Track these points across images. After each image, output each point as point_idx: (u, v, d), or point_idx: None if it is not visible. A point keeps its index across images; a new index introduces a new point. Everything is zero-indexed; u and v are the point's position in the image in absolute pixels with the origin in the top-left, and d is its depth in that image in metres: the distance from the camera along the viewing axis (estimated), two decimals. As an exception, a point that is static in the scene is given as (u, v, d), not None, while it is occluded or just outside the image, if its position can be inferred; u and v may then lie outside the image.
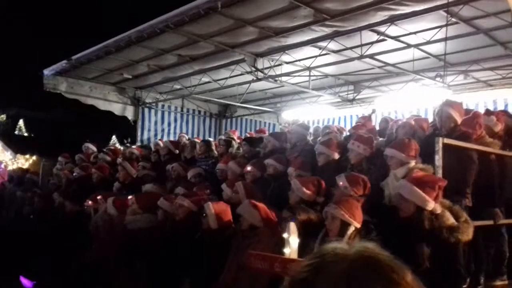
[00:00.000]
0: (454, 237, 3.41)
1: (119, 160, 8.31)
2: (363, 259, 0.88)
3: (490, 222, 4.65)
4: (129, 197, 5.58)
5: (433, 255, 3.38)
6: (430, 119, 6.34)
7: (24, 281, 5.60)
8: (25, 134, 35.56)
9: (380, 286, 0.85)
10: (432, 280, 3.14)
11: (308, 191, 4.49)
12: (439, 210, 3.55)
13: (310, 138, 6.93)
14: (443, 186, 3.65)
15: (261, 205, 4.04)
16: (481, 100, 9.70)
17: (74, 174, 8.54)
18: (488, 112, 5.88)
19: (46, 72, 10.66)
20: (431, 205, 3.53)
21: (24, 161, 14.85)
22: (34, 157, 14.81)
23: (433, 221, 3.50)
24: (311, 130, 8.75)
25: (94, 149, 9.95)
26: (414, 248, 3.37)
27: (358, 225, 3.51)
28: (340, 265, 0.87)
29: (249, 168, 5.86)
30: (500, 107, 9.20)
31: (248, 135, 8.73)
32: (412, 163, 4.41)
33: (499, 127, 5.26)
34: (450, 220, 3.52)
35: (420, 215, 3.53)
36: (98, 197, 6.23)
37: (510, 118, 5.80)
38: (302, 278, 0.91)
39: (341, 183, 4.25)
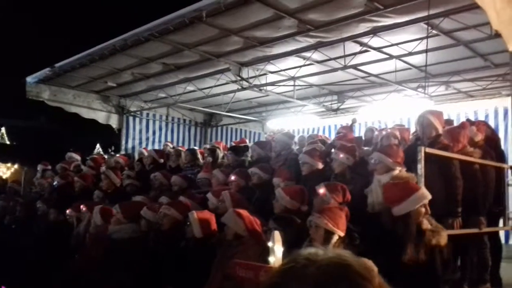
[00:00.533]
0: (436, 240, 3.50)
1: (102, 168, 8.23)
2: (332, 265, 0.90)
3: (475, 230, 4.73)
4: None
5: (416, 258, 3.46)
6: (413, 129, 6.44)
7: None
8: (7, 142, 35.01)
9: None
10: (413, 284, 3.21)
11: (292, 200, 4.52)
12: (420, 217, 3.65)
13: (295, 147, 6.98)
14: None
15: (245, 214, 4.05)
16: (462, 110, 9.87)
17: (54, 183, 8.43)
18: (468, 122, 5.97)
19: (29, 79, 10.57)
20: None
21: (6, 170, 14.63)
22: (15, 166, 14.61)
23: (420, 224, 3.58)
24: (296, 140, 8.83)
25: (78, 158, 9.85)
26: (402, 249, 3.44)
27: (342, 234, 3.55)
28: (309, 270, 0.89)
29: (233, 177, 5.85)
30: (481, 117, 9.38)
31: (234, 144, 8.74)
32: (397, 170, 4.46)
33: (479, 137, 5.35)
34: (429, 226, 3.62)
35: (407, 221, 3.62)
36: (82, 206, 6.15)
37: (489, 128, 5.91)
38: (272, 283, 0.93)
39: (321, 191, 4.29)
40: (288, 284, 0.90)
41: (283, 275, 0.93)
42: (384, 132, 5.83)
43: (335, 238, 3.53)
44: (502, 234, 6.15)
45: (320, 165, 5.36)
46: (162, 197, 5.84)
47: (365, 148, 5.99)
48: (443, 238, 3.56)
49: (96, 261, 4.99)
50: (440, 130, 5.01)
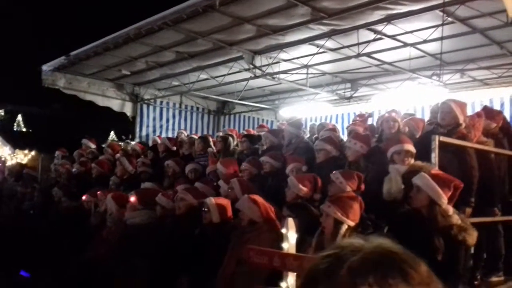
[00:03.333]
0: (462, 236, 3.44)
1: (117, 155, 8.35)
2: (379, 252, 0.90)
3: (488, 219, 4.72)
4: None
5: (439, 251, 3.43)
6: (427, 118, 6.38)
7: (24, 273, 5.67)
8: (24, 130, 35.50)
9: (395, 278, 0.86)
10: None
11: (304, 188, 4.54)
12: (451, 211, 3.56)
13: (305, 135, 6.98)
14: (458, 187, 3.65)
15: (260, 200, 4.10)
16: (477, 98, 9.77)
17: (73, 169, 8.58)
18: (487, 109, 5.88)
19: (45, 68, 10.68)
20: (444, 201, 3.54)
21: (23, 156, 14.86)
22: (32, 153, 14.81)
23: (445, 218, 3.53)
24: (307, 128, 8.83)
25: (92, 145, 9.98)
26: (428, 241, 3.39)
27: (352, 224, 3.53)
28: (357, 255, 0.89)
29: (244, 166, 5.89)
30: (496, 105, 9.28)
31: (246, 132, 8.77)
32: (412, 159, 4.46)
33: (492, 126, 5.30)
34: (459, 221, 3.56)
35: (433, 209, 3.55)
36: (98, 193, 6.27)
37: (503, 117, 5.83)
38: (322, 268, 0.92)
39: (337, 178, 4.31)
40: (337, 270, 0.89)
41: (332, 261, 0.92)
42: (384, 117, 5.71)
43: (344, 227, 3.53)
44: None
45: (336, 152, 5.37)
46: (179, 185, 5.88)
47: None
48: (471, 237, 3.47)
49: (112, 246, 5.10)
50: (461, 120, 4.83)
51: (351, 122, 7.93)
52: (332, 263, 0.91)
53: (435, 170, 3.96)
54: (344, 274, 0.88)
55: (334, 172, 4.43)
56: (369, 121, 6.91)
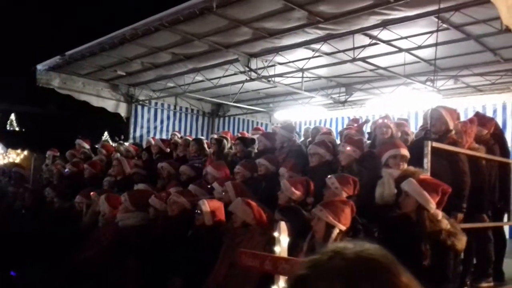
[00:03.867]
0: (451, 241, 3.45)
1: (117, 155, 8.32)
2: (361, 259, 0.91)
3: (479, 224, 4.75)
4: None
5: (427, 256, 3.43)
6: (420, 123, 6.42)
7: (13, 273, 5.65)
8: (17, 129, 35.29)
9: (376, 286, 0.88)
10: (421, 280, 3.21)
11: (297, 192, 4.56)
12: (440, 216, 3.58)
13: (298, 139, 6.99)
14: (446, 192, 3.68)
15: (253, 203, 4.12)
16: (470, 105, 9.84)
17: (65, 170, 8.54)
18: (479, 116, 5.92)
19: (39, 67, 10.63)
20: (433, 206, 3.56)
21: (15, 156, 14.79)
22: (25, 152, 14.76)
23: (434, 223, 3.54)
24: (301, 131, 8.85)
25: (86, 145, 9.95)
26: (415, 246, 3.41)
27: (343, 228, 3.55)
28: (338, 264, 0.90)
29: (237, 168, 5.89)
30: (489, 112, 9.36)
31: (240, 135, 8.78)
32: (405, 164, 4.49)
33: (484, 132, 5.34)
34: (448, 226, 3.56)
35: (421, 214, 3.57)
36: (92, 194, 6.24)
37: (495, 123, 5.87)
38: (301, 275, 0.94)
39: (332, 184, 4.32)
40: (316, 278, 0.91)
41: (311, 267, 0.93)
42: (378, 123, 5.75)
43: (335, 231, 3.55)
44: (506, 229, 6.15)
45: (330, 156, 5.38)
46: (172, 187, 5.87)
47: (368, 141, 6.01)
48: (460, 242, 3.49)
49: (104, 247, 5.08)
50: (451, 126, 4.92)
51: (345, 127, 7.96)
52: (311, 270, 0.93)
53: (424, 175, 4.00)
54: (325, 286, 0.89)
55: (329, 177, 4.44)
56: (364, 127, 6.91)
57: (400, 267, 0.93)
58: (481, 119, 5.59)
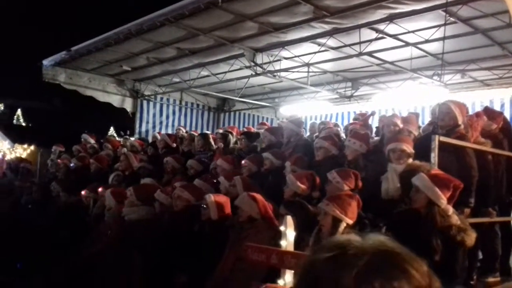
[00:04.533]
0: (461, 236, 3.43)
1: (124, 150, 8.33)
2: (383, 254, 0.91)
3: (486, 219, 4.72)
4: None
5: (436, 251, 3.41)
6: (427, 118, 6.38)
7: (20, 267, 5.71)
8: (23, 124, 35.49)
9: (399, 281, 0.87)
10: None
11: (302, 186, 4.55)
12: (450, 211, 3.55)
13: (305, 134, 6.97)
14: (458, 188, 3.64)
15: (259, 197, 4.11)
16: (477, 99, 9.77)
17: (71, 164, 8.57)
18: (488, 110, 5.86)
19: (45, 62, 10.68)
20: (443, 202, 3.53)
21: (22, 151, 14.87)
22: (32, 147, 14.83)
23: (444, 218, 3.51)
24: (307, 126, 8.82)
25: (92, 140, 9.98)
26: (426, 241, 3.38)
27: (350, 222, 3.55)
28: (362, 259, 0.89)
29: (244, 162, 5.89)
30: (497, 106, 9.27)
31: (246, 130, 8.77)
32: (411, 159, 4.47)
33: (493, 126, 5.30)
34: (458, 221, 3.54)
35: (431, 209, 3.55)
36: (99, 189, 6.25)
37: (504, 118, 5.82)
38: (326, 270, 0.92)
39: (333, 178, 4.31)
40: (339, 276, 0.89)
41: (336, 264, 0.91)
42: (385, 121, 5.73)
43: (342, 225, 3.54)
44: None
45: (336, 151, 5.36)
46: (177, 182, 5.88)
47: (376, 137, 5.98)
48: (469, 238, 3.46)
49: (110, 242, 5.10)
50: (460, 121, 4.84)
51: (351, 121, 7.94)
52: (337, 267, 0.91)
53: (435, 170, 3.96)
54: (350, 280, 0.88)
55: (330, 171, 4.43)
56: (370, 120, 6.88)
57: (418, 258, 0.94)
58: (490, 113, 5.54)
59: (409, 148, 4.51)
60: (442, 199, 3.53)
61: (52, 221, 6.47)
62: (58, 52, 10.25)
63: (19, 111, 36.72)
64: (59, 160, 9.14)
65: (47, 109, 37.11)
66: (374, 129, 6.62)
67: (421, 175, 3.72)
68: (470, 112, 6.29)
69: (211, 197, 4.47)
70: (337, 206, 3.53)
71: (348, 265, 0.89)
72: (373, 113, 7.45)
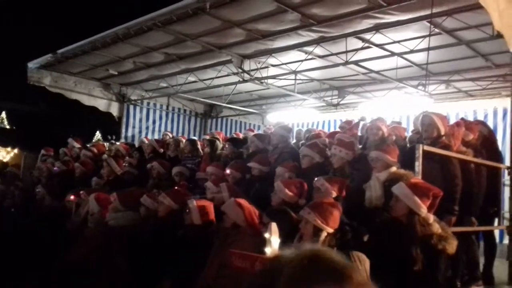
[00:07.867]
0: (442, 245, 3.44)
1: (104, 156, 8.28)
2: (314, 258, 0.96)
3: (470, 228, 4.78)
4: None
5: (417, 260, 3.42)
6: (411, 127, 6.44)
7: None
8: (7, 127, 35.02)
9: (330, 281, 0.93)
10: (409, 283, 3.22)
11: (290, 193, 4.55)
12: (431, 220, 3.56)
13: (292, 141, 6.99)
14: (438, 196, 3.66)
15: (245, 204, 4.10)
16: (461, 110, 9.89)
17: (54, 168, 8.49)
18: (465, 121, 5.98)
19: (31, 65, 10.58)
20: (424, 210, 3.54)
21: (5, 154, 14.66)
22: (15, 150, 14.64)
23: (425, 227, 3.52)
24: (294, 133, 8.86)
25: (77, 145, 9.89)
26: (407, 250, 3.38)
27: (331, 230, 3.51)
28: (293, 264, 0.96)
29: (228, 171, 5.87)
30: (480, 117, 9.41)
31: (235, 136, 8.77)
32: (394, 167, 4.51)
33: (470, 137, 5.39)
34: (440, 230, 3.56)
35: (412, 219, 3.55)
36: (81, 192, 6.19)
37: (486, 127, 5.93)
38: (259, 279, 1.02)
39: (321, 185, 4.32)
40: (274, 280, 0.96)
41: (268, 272, 1.01)
42: (368, 125, 5.80)
43: (323, 234, 3.51)
44: (496, 233, 6.20)
45: (320, 159, 5.38)
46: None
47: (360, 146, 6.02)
48: (451, 246, 3.47)
49: (94, 247, 5.04)
50: (443, 132, 4.96)
51: (337, 129, 7.98)
52: (270, 275, 0.99)
53: (415, 179, 4.00)
54: (282, 285, 0.95)
55: (317, 178, 4.44)
56: (361, 125, 6.87)
57: (352, 265, 1.01)
58: (467, 124, 5.66)
59: (387, 157, 4.54)
60: (422, 208, 3.55)
61: (34, 225, 6.38)
62: (44, 54, 10.16)
63: (3, 114, 36.25)
64: (42, 164, 9.04)
65: (32, 112, 36.65)
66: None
67: (400, 184, 3.74)
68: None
69: (194, 202, 4.45)
70: (319, 215, 3.50)
71: (279, 272, 0.96)
72: (363, 119, 7.50)
